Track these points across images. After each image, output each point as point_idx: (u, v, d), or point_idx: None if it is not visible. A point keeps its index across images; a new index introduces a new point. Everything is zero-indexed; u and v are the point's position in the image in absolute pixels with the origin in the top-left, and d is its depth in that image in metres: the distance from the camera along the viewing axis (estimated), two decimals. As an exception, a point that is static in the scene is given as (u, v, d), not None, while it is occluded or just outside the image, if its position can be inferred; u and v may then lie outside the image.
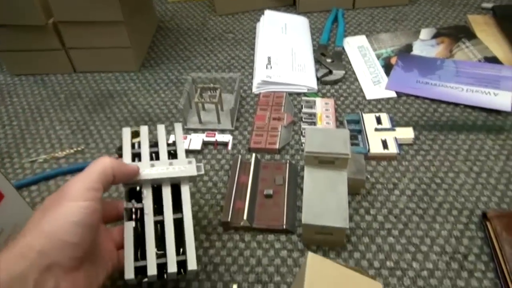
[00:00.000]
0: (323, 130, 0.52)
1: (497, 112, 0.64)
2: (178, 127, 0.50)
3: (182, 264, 0.42)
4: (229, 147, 0.63)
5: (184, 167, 0.46)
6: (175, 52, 0.84)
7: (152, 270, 0.40)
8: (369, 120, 0.63)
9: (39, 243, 0.33)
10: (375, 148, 0.59)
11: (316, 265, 0.36)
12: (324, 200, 0.48)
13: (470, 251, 0.48)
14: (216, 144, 0.63)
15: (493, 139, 0.60)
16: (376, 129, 0.61)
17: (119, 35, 0.74)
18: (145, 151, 0.47)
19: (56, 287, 0.33)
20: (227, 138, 0.64)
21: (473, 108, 0.65)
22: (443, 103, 0.67)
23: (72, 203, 0.35)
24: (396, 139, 0.60)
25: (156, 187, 0.45)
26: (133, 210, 0.44)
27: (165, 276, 0.41)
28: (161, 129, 0.49)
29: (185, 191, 0.46)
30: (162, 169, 0.45)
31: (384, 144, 0.59)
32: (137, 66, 0.80)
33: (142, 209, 0.44)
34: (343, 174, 0.51)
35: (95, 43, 0.76)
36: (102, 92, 0.76)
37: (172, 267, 0.41)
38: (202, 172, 0.47)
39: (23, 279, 0.31)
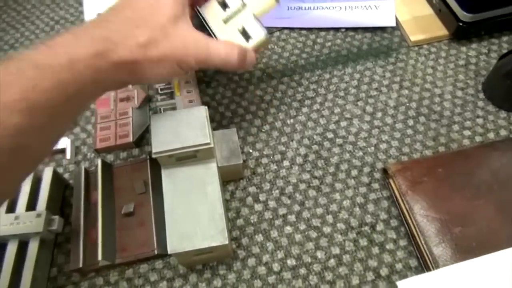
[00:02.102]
0: (172, 114, 0.39)
1: (382, 29, 0.55)
2: (48, 171, 0.43)
3: None
4: (68, 154, 0.47)
5: (30, 222, 0.38)
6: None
7: None
8: (211, 12, 0.40)
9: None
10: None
11: None
12: (192, 211, 0.37)
13: (378, 218, 0.40)
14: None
15: (382, 65, 0.51)
16: (225, 20, 0.40)
17: None
18: None
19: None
20: (64, 142, 0.48)
21: (356, 30, 0.55)
22: (322, 31, 0.55)
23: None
24: (255, 16, 0.39)
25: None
26: None
27: None
28: None
29: (31, 251, 0.38)
30: (4, 224, 0.38)
31: (245, 34, 0.39)
32: None
33: None
34: (211, 168, 0.39)
35: None
36: None
37: None
38: (55, 227, 0.39)
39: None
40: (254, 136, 0.47)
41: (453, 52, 0.52)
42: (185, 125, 0.38)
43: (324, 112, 0.48)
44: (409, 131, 0.46)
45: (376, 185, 0.42)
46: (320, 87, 0.50)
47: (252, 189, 0.43)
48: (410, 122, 0.46)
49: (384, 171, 0.41)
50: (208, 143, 0.37)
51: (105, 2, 0.60)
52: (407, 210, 0.38)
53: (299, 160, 0.45)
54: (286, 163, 0.45)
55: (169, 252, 0.35)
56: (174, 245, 0.35)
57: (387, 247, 0.39)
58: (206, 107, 0.39)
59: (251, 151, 0.46)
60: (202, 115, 0.39)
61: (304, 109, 0.48)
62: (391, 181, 0.40)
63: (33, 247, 0.39)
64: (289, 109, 0.49)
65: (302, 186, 0.43)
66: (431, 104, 0.47)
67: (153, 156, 0.37)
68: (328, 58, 0.53)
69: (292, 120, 0.48)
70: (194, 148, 0.37)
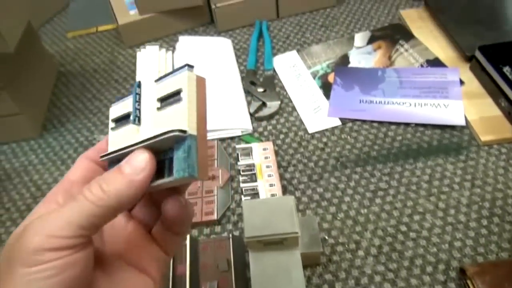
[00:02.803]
0: (262, 202, 0.43)
1: (451, 127, 0.58)
2: None
3: None
4: (159, 227, 0.52)
5: None
6: (82, 103, 0.71)
7: None
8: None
9: None
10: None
11: None
12: (279, 296, 0.39)
13: (455, 319, 0.41)
14: (142, 225, 0.52)
15: (453, 162, 0.54)
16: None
17: (3, 103, 0.60)
18: None
19: None
20: (154, 214, 0.53)
21: (425, 125, 0.59)
22: (393, 124, 0.60)
23: (24, 270, 0.19)
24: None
25: None
26: None
27: None
28: None
29: None
30: None
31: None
32: (37, 131, 0.66)
33: None
34: (295, 254, 0.42)
35: (-25, 116, 0.61)
36: (-4, 174, 0.62)
37: None
38: None
39: None
40: (329, 223, 0.50)
41: (524, 154, 0.54)
42: (275, 213, 0.42)
43: (397, 205, 0.50)
44: (484, 231, 0.47)
45: (452, 285, 0.43)
46: (392, 179, 0.53)
47: (328, 276, 0.45)
48: (484, 222, 0.48)
49: (461, 271, 0.43)
50: (296, 232, 0.40)
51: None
52: (487, 315, 0.39)
53: (373, 251, 0.47)
54: (360, 252, 0.47)
55: (256, 336, 0.37)
56: (261, 329, 0.38)
57: None
58: (293, 197, 0.43)
59: (326, 237, 0.48)
60: (290, 204, 0.42)
61: (378, 200, 0.51)
62: (469, 282, 0.41)
63: None
64: (363, 199, 0.52)
65: (377, 278, 0.45)
66: (504, 205, 0.49)
67: (245, 240, 0.41)
68: (399, 152, 0.56)
69: (366, 210, 0.50)
70: (282, 235, 0.40)
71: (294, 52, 0.74)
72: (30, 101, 0.65)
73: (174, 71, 0.23)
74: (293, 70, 0.70)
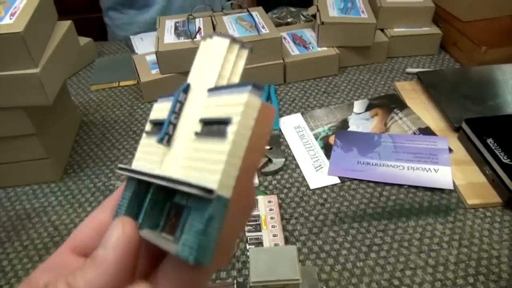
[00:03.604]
0: (268, 250, 0.48)
1: (441, 190, 0.63)
2: None
3: None
4: (168, 270, 0.55)
5: None
6: (101, 151, 0.77)
7: None
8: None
9: None
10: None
11: None
12: None
13: None
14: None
15: (442, 223, 0.59)
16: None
17: (34, 148, 0.66)
18: None
19: None
20: (165, 258, 0.56)
21: (417, 187, 0.64)
22: (387, 185, 0.65)
23: None
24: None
25: None
26: None
27: None
28: None
29: None
30: None
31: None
32: (58, 175, 0.72)
33: None
34: (296, 301, 0.45)
35: (7, 159, 0.67)
36: (17, 213, 0.66)
37: None
38: None
39: None
40: (327, 274, 0.54)
41: (507, 218, 0.59)
42: (278, 260, 0.46)
43: (390, 260, 0.54)
44: (470, 288, 0.51)
45: (440, 337, 0.46)
46: (386, 236, 0.57)
47: (325, 324, 0.49)
48: (471, 280, 0.51)
49: (449, 324, 0.46)
50: (297, 279, 0.44)
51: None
52: None
53: (368, 302, 0.50)
54: (356, 303, 0.50)
55: None
56: None
57: None
58: (296, 246, 0.47)
59: None
60: (293, 253, 0.47)
61: (372, 254, 0.55)
62: (455, 335, 0.45)
63: None
64: (359, 252, 0.56)
65: (371, 328, 0.48)
66: (489, 264, 0.53)
67: (251, 285, 0.45)
68: (393, 210, 0.61)
69: (361, 263, 0.54)
70: (285, 282, 0.44)
71: (299, 114, 0.81)
72: (56, 147, 0.71)
73: (235, 85, 0.16)
74: (297, 131, 0.77)
